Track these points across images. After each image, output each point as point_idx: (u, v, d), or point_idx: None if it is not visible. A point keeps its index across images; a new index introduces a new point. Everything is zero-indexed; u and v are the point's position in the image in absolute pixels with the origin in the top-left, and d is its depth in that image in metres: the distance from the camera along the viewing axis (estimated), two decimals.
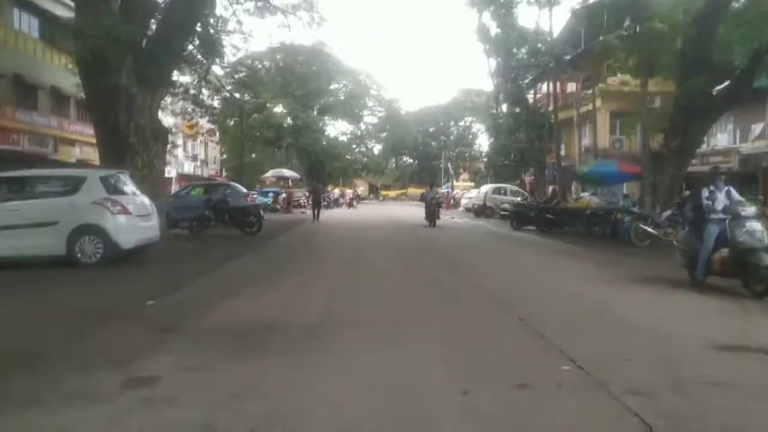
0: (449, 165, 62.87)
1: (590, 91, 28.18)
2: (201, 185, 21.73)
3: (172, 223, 16.50)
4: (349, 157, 57.38)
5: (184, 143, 40.22)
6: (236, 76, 32.31)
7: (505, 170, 37.18)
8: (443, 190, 52.93)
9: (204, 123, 29.18)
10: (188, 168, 39.78)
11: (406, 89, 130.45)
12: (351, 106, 56.56)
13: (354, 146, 60.77)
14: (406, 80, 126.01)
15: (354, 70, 57.58)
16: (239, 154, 39.54)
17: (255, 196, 22.32)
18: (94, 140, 16.05)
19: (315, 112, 52.50)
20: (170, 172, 35.85)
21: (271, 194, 33.93)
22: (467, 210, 33.19)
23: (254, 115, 43.38)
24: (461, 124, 74.06)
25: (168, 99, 25.35)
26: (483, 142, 72.82)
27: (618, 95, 26.89)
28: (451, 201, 42.00)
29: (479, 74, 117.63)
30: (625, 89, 23.80)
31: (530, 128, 33.39)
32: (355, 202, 44.33)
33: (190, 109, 26.21)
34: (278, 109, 48.67)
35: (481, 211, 28.77)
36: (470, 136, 74.06)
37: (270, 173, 39.51)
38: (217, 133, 43.96)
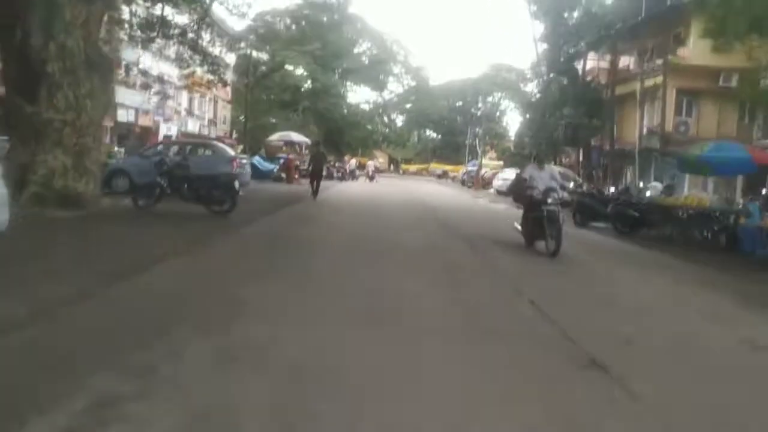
0: (477, 142, 58.53)
1: (660, 62, 23.67)
2: (178, 143, 17.88)
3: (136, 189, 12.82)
4: (369, 127, 53.67)
5: (190, 100, 36.60)
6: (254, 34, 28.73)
7: (543, 150, 32.91)
8: (470, 167, 48.47)
9: (203, 73, 25.43)
10: (192, 126, 36.13)
11: (434, 60, 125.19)
12: (375, 71, 52.60)
13: (376, 116, 56.82)
14: (435, 51, 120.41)
15: (380, 32, 53.36)
16: (248, 113, 35.64)
17: (244, 161, 18.00)
18: None
19: (336, 76, 48.53)
20: (170, 129, 32.35)
21: (282, 160, 29.91)
22: (499, 193, 28.83)
23: (262, 68, 39.62)
24: (489, 99, 69.86)
25: (161, 41, 21.76)
26: (512, 120, 68.52)
27: (688, 70, 22.50)
28: (480, 180, 37.88)
29: (513, 48, 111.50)
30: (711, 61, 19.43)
31: (579, 103, 29.00)
32: (376, 175, 40.26)
33: (186, 56, 22.58)
34: (299, 71, 44.96)
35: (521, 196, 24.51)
36: (498, 114, 70.01)
37: (275, 136, 35.38)
38: (229, 92, 40.33)
